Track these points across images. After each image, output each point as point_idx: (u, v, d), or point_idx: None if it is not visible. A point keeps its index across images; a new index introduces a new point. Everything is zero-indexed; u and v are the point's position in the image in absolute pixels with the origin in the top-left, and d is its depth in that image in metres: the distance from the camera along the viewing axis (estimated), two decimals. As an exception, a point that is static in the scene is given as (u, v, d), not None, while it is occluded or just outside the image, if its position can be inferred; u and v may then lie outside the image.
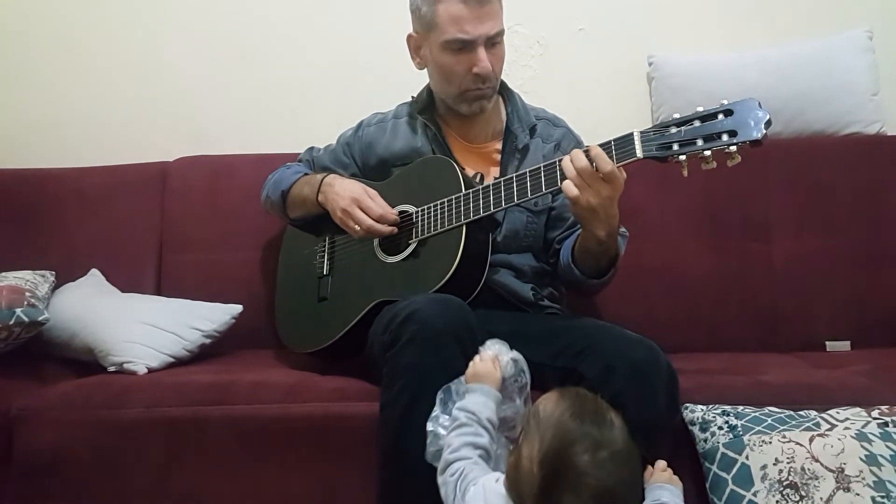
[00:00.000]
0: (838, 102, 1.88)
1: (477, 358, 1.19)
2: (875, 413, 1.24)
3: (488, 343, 1.21)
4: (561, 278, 1.54)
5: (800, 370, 1.54)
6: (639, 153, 1.23)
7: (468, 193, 1.41)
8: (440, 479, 1.11)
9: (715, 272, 1.80)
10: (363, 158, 1.65)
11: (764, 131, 1.15)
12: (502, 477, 1.04)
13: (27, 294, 1.60)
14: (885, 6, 1.97)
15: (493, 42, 1.47)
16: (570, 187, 1.25)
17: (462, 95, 1.50)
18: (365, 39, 2.08)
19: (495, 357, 1.17)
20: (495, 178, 1.52)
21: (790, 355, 1.69)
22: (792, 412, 1.27)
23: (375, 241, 1.52)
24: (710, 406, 1.30)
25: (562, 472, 0.95)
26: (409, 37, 1.55)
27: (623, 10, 2.04)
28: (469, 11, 1.42)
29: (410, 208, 1.49)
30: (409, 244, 1.47)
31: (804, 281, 1.79)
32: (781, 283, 1.79)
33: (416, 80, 1.64)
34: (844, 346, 1.73)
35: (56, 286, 1.77)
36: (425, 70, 1.57)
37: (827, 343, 1.74)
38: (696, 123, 1.20)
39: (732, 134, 1.17)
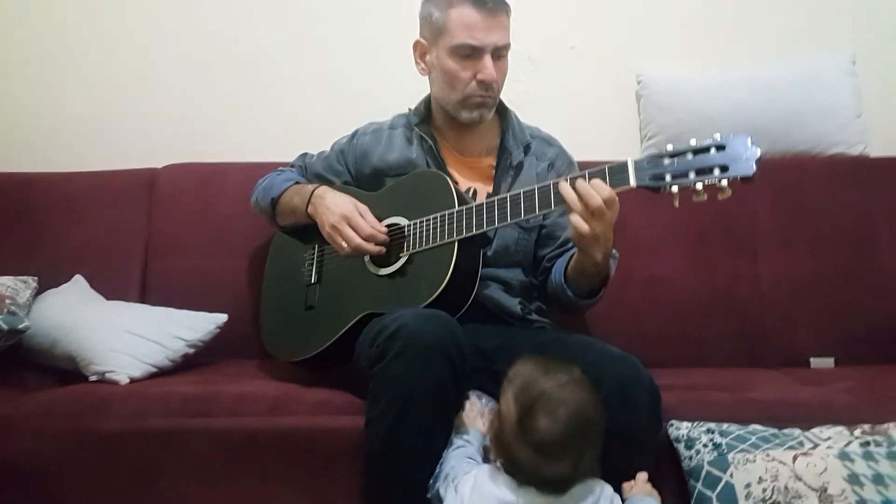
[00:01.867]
0: (822, 123, 1.91)
1: (468, 404, 1.27)
2: (857, 432, 1.25)
3: (477, 396, 1.31)
4: (550, 297, 1.54)
5: (785, 386, 1.56)
6: (632, 182, 1.24)
7: (461, 210, 1.41)
8: (440, 489, 1.16)
9: (702, 288, 1.82)
10: (357, 167, 1.65)
11: (755, 168, 1.17)
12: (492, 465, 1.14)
13: (7, 301, 1.58)
14: (867, 31, 2.01)
15: (499, 55, 1.50)
16: (579, 222, 1.26)
17: (464, 101, 1.51)
18: (358, 48, 2.09)
19: (481, 411, 1.27)
20: (488, 194, 1.54)
21: (775, 371, 1.71)
22: (776, 430, 1.28)
23: (364, 253, 1.52)
24: (696, 423, 1.30)
25: (533, 400, 1.06)
26: (416, 43, 1.56)
27: (612, 30, 2.06)
28: (481, 19, 1.45)
29: (402, 221, 1.49)
30: (400, 257, 1.46)
31: (789, 297, 1.81)
32: (767, 299, 1.81)
33: (409, 93, 1.64)
34: (828, 362, 1.75)
35: (39, 292, 1.74)
36: (418, 82, 1.58)
37: (811, 359, 1.76)
38: (689, 156, 1.21)
39: (724, 169, 1.18)
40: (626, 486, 1.18)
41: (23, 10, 2.13)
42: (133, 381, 1.52)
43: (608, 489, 1.12)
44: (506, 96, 1.87)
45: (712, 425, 1.29)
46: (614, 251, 1.45)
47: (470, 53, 1.47)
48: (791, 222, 1.84)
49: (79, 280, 1.83)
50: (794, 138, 1.91)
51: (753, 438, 1.26)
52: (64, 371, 1.59)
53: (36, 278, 1.75)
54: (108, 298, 1.80)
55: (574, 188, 1.27)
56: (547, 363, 1.13)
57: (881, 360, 1.71)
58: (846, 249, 1.81)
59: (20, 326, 1.56)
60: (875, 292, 1.79)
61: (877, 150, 1.93)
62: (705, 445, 1.26)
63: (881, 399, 1.40)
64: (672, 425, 1.32)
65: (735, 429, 1.28)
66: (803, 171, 1.89)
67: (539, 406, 1.05)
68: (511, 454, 1.08)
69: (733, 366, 1.73)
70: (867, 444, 1.23)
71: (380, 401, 1.23)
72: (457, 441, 1.22)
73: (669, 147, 1.24)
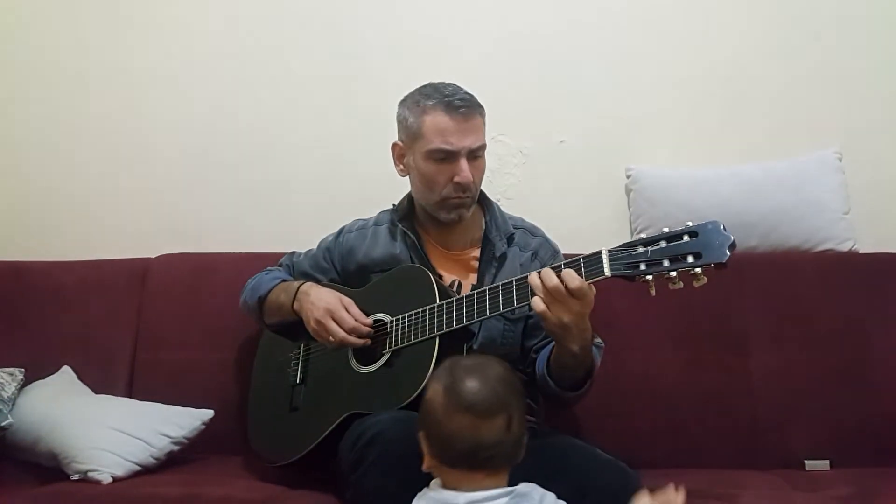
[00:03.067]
0: (811, 219, 1.92)
1: None
2: (853, 550, 1.22)
3: None
4: (538, 389, 1.53)
5: (779, 492, 1.52)
6: (607, 272, 1.25)
7: (442, 304, 1.41)
8: None
9: (694, 385, 1.79)
10: (343, 264, 1.67)
11: (728, 254, 1.17)
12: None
13: (-8, 397, 1.57)
14: (853, 127, 2.04)
15: (475, 155, 1.52)
16: (538, 303, 1.27)
17: (442, 203, 1.54)
18: (349, 146, 2.13)
19: None
20: (473, 286, 1.54)
21: (769, 473, 1.66)
22: (769, 547, 1.24)
23: (350, 350, 1.51)
24: (688, 536, 1.26)
25: (456, 374, 1.10)
26: (394, 145, 1.59)
27: (602, 125, 2.10)
28: (454, 124, 1.49)
29: (386, 317, 1.49)
30: (383, 354, 1.46)
31: (782, 396, 1.78)
32: (760, 397, 1.78)
33: (397, 188, 1.67)
34: (824, 465, 1.71)
35: (26, 382, 1.73)
36: (407, 178, 1.61)
37: (806, 462, 1.72)
38: (662, 244, 1.22)
39: (697, 256, 1.19)
40: None
41: (16, 99, 2.18)
42: (116, 480, 1.50)
43: (548, 495, 1.11)
44: (497, 188, 1.90)
45: (703, 540, 1.26)
46: (599, 340, 1.44)
47: (445, 157, 1.50)
48: (781, 319, 1.83)
49: (66, 371, 1.82)
50: (783, 234, 1.92)
51: (745, 555, 1.22)
52: (46, 468, 1.56)
53: (22, 370, 1.74)
54: (95, 390, 1.79)
55: (538, 274, 1.28)
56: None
57: (877, 462, 1.68)
58: (838, 347, 1.80)
59: (3, 424, 1.55)
60: (868, 392, 1.76)
61: (866, 247, 1.94)
62: (696, 562, 1.22)
63: (877, 510, 1.38)
64: (662, 539, 1.28)
65: (727, 544, 1.25)
66: (793, 267, 1.89)
67: (463, 375, 1.09)
68: (445, 435, 1.07)
69: (726, 466, 1.69)
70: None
71: (358, 512, 1.21)
72: None
73: (643, 234, 1.25)
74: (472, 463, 1.07)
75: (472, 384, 1.08)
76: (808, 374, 1.79)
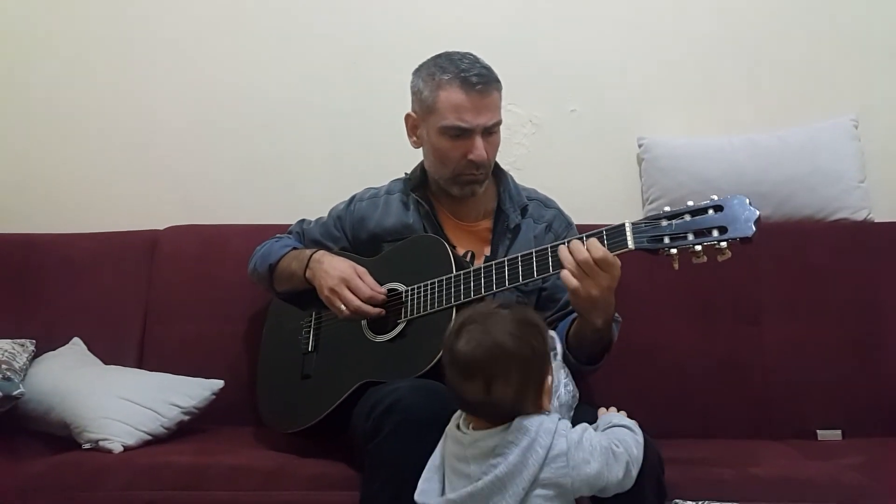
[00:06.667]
0: (826, 188, 1.90)
1: None
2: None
3: None
4: None
5: (791, 462, 1.52)
6: (630, 244, 1.24)
7: (459, 275, 1.40)
8: None
9: (705, 355, 1.79)
10: (354, 233, 1.65)
11: (754, 229, 1.16)
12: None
13: (3, 366, 1.58)
14: (870, 96, 2.01)
15: (490, 131, 1.50)
16: (568, 277, 1.25)
17: (455, 178, 1.52)
18: (359, 115, 2.11)
19: None
20: (486, 257, 1.53)
21: (782, 443, 1.67)
22: (783, 512, 1.24)
23: (363, 319, 1.50)
24: (700, 503, 1.26)
25: (461, 325, 1.11)
26: (408, 116, 1.57)
27: (614, 94, 2.07)
28: (470, 101, 1.46)
29: (400, 287, 1.49)
30: (398, 324, 1.45)
31: (795, 366, 1.77)
32: (772, 368, 1.78)
33: (409, 157, 1.65)
34: (836, 435, 1.71)
35: (36, 354, 1.74)
36: (418, 149, 1.59)
37: (818, 432, 1.72)
38: (687, 217, 1.21)
39: (723, 230, 1.18)
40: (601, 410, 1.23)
41: (25, 71, 2.16)
42: (127, 448, 1.50)
43: (548, 422, 1.08)
44: (506, 159, 1.87)
45: (716, 505, 1.26)
46: (617, 315, 1.43)
47: (460, 134, 1.48)
48: (795, 289, 1.82)
49: (77, 343, 1.82)
50: (798, 203, 1.90)
51: (759, 521, 1.22)
52: (58, 438, 1.57)
53: (34, 341, 1.74)
54: (105, 362, 1.79)
55: (567, 247, 1.26)
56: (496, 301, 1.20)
57: (890, 432, 1.67)
58: (851, 317, 1.79)
59: (14, 393, 1.55)
60: (881, 362, 1.76)
61: (882, 215, 1.92)
62: (709, 528, 1.23)
63: (890, 477, 1.37)
64: (675, 504, 1.28)
65: (740, 510, 1.25)
66: (807, 236, 1.87)
67: (462, 330, 1.10)
68: (447, 381, 1.11)
69: (738, 436, 1.70)
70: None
71: (375, 479, 1.20)
72: None
73: (667, 208, 1.24)
74: (464, 410, 1.12)
75: (460, 344, 1.08)
76: (822, 345, 1.78)
